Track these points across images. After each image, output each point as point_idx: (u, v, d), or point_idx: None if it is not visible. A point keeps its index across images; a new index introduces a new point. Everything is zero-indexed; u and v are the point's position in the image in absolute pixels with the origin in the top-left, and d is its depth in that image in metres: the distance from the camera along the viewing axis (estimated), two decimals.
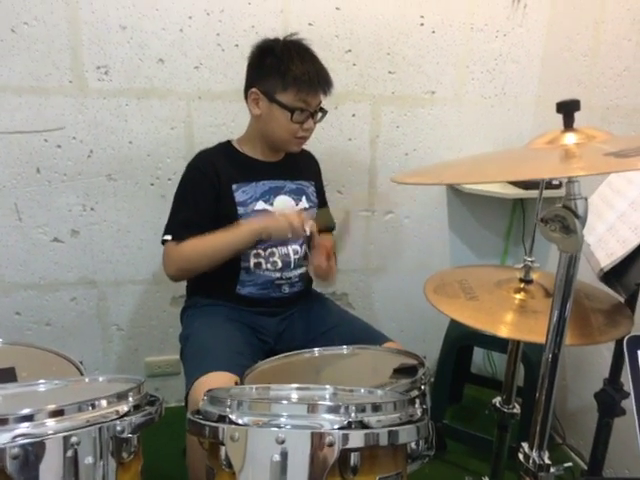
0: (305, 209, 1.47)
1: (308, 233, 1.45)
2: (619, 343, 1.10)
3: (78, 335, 1.86)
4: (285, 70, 1.30)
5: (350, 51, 1.80)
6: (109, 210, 1.77)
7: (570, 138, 0.70)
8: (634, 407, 0.72)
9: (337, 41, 1.78)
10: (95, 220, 1.77)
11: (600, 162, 0.58)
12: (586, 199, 0.71)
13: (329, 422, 0.70)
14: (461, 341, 1.82)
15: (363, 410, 0.73)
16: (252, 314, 1.43)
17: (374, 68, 1.84)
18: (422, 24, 1.83)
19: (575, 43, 1.79)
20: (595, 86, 1.70)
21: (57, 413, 0.66)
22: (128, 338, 1.92)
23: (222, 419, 0.72)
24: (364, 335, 1.39)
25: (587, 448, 1.39)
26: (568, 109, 0.69)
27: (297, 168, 1.51)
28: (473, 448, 1.83)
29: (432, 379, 1.78)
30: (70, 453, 0.64)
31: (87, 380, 0.87)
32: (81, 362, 1.13)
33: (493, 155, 0.83)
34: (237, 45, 1.69)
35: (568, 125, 0.70)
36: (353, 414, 0.71)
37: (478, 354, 2.20)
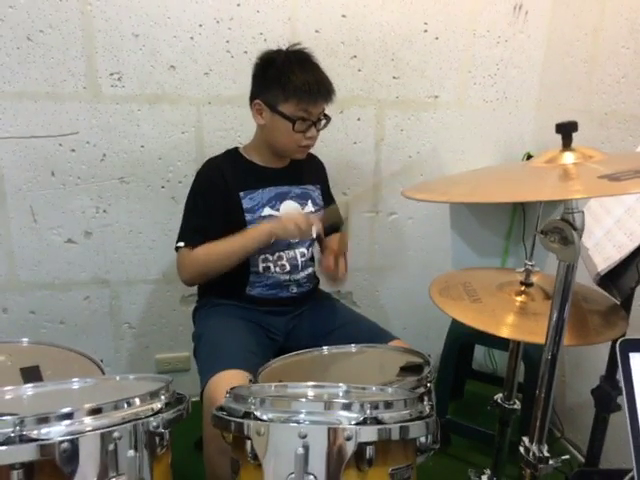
0: (311, 212, 1.52)
1: (315, 235, 1.49)
2: (615, 343, 1.15)
3: (91, 333, 1.91)
4: (286, 81, 1.34)
5: (355, 57, 1.85)
6: (121, 212, 1.82)
7: (568, 157, 0.75)
8: (626, 406, 0.77)
9: (343, 47, 1.82)
10: (108, 222, 1.82)
11: (595, 185, 0.64)
12: (583, 212, 0.77)
13: (346, 418, 0.76)
14: (463, 339, 1.87)
15: (377, 407, 0.79)
16: (262, 313, 1.48)
17: (379, 73, 1.88)
18: (426, 30, 1.87)
19: (575, 49, 1.83)
20: (594, 92, 1.75)
21: (95, 411, 0.72)
22: (139, 336, 1.98)
23: (247, 415, 0.78)
24: (371, 334, 1.43)
25: (585, 442, 1.44)
26: (566, 130, 0.74)
27: (302, 173, 1.55)
28: (475, 442, 1.88)
29: (435, 375, 1.85)
30: (112, 447, 0.70)
31: (118, 378, 0.93)
32: (102, 360, 1.20)
33: (495, 173, 0.89)
34: (246, 52, 1.74)
35: (566, 145, 0.75)
36: (368, 411, 0.77)
37: (479, 351, 2.26)
